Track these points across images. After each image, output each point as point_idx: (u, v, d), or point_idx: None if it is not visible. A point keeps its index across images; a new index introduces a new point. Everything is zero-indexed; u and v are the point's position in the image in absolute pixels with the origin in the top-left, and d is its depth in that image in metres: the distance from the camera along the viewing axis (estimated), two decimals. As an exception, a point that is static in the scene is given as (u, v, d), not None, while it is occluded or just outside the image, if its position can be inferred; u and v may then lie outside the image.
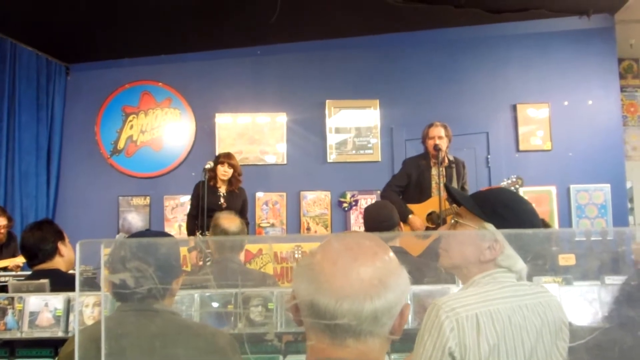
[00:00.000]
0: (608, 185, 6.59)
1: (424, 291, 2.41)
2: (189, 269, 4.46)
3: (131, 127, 7.06)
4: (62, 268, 3.07)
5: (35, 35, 6.46)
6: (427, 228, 4.85)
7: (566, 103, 6.74)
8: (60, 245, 3.08)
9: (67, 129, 7.10)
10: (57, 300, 2.54)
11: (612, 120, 6.73)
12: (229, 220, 3.38)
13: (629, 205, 7.23)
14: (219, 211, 5.14)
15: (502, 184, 5.08)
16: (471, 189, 5.21)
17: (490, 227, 1.63)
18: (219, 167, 5.43)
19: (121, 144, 7.05)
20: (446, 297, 1.54)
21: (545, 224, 1.77)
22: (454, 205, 4.76)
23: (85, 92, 7.16)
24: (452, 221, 1.75)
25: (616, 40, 6.76)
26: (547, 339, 1.54)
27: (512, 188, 4.98)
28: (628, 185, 7.08)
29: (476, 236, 1.64)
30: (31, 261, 3.07)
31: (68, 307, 2.53)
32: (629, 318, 1.70)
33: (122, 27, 6.26)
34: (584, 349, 1.61)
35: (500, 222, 1.62)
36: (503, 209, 1.64)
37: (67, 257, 3.09)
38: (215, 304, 2.41)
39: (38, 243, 3.03)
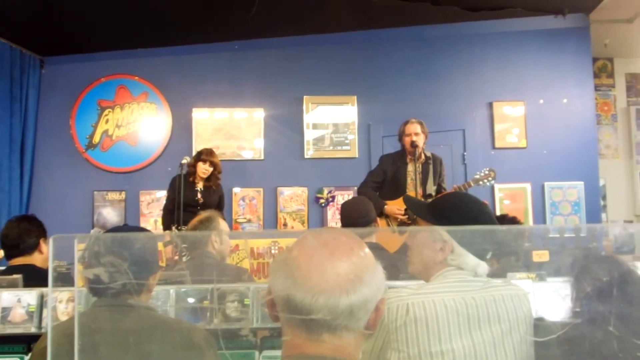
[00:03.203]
0: (582, 183, 6.67)
1: (399, 287, 2.42)
2: (164, 264, 4.43)
3: (107, 121, 6.98)
4: (39, 265, 3.05)
5: (9, 27, 6.33)
6: (404, 223, 4.88)
7: (541, 101, 6.81)
8: (42, 242, 3.07)
9: (41, 123, 6.99)
10: (30, 296, 2.51)
11: (586, 118, 6.81)
12: (195, 220, 3.36)
13: (602, 203, 7.34)
14: (196, 207, 5.16)
15: (475, 176, 5.14)
16: (448, 186, 5.26)
17: (440, 229, 1.74)
18: (200, 164, 5.38)
19: (96, 138, 6.96)
20: (392, 290, 1.70)
21: (516, 221, 1.88)
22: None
23: (60, 85, 7.05)
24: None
25: (591, 40, 6.84)
26: (497, 330, 1.62)
27: (485, 180, 5.05)
28: (601, 182, 7.18)
29: (429, 240, 1.76)
30: (10, 252, 3.03)
31: (41, 302, 2.50)
32: (598, 313, 1.74)
33: (99, 20, 6.17)
34: (556, 344, 1.65)
35: (448, 224, 1.74)
36: (448, 212, 1.77)
37: (46, 255, 3.06)
38: (191, 300, 2.40)
39: (22, 234, 3.02)
